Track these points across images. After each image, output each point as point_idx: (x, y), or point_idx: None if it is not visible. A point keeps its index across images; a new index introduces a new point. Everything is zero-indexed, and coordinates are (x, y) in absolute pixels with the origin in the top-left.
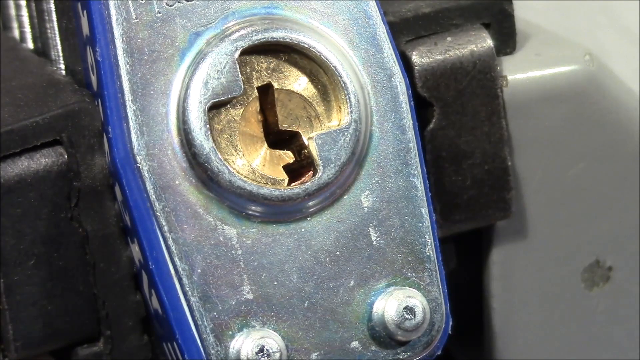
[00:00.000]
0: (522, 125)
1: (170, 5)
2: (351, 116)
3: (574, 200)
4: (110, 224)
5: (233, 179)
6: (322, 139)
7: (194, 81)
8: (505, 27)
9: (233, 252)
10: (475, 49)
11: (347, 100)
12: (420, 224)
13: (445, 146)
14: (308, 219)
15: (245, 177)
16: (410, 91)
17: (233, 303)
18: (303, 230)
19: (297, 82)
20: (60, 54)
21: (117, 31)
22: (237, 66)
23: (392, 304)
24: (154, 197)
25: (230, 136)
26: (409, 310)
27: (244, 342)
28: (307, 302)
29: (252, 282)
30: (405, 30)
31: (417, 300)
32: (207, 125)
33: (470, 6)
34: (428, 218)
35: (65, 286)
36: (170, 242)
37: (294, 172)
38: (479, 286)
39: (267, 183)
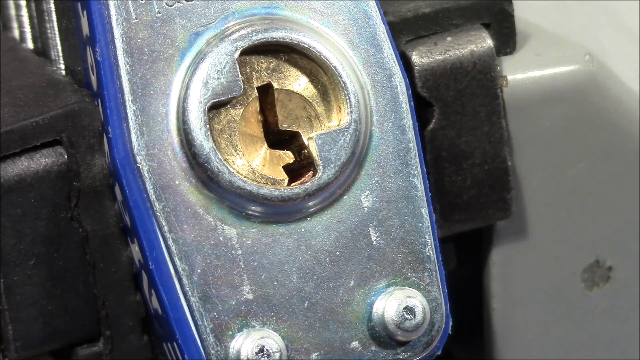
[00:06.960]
0: (522, 125)
1: (170, 5)
2: (351, 116)
3: (574, 200)
4: (110, 224)
5: (233, 179)
6: (322, 139)
7: (194, 81)
8: (505, 27)
9: (233, 252)
10: (475, 49)
11: (347, 100)
12: (420, 224)
13: (445, 146)
14: (308, 219)
15: (245, 177)
16: (410, 91)
17: (233, 303)
18: (303, 230)
19: (297, 82)
20: (60, 54)
21: (117, 31)
22: (237, 66)
23: (392, 304)
24: (154, 197)
25: (230, 136)
26: (409, 310)
27: (244, 342)
28: (307, 302)
29: (252, 282)
30: (405, 30)
31: (417, 301)
32: (207, 126)
33: (470, 6)
34: (428, 218)
35: (65, 286)
36: (170, 242)
37: (294, 172)
38: (479, 286)
39: (267, 183)
